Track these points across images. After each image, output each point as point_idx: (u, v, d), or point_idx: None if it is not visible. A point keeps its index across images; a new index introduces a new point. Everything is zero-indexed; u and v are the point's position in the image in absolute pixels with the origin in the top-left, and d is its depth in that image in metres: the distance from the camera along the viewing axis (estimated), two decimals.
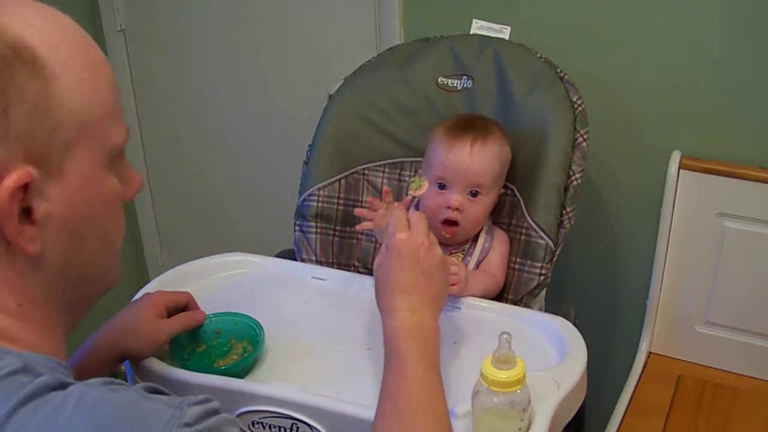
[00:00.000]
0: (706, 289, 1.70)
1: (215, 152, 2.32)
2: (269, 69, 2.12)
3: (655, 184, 1.68)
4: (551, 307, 1.42)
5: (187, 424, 0.67)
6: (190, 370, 1.14)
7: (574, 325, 1.36)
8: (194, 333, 1.22)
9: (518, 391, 0.97)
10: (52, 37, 0.72)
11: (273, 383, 1.11)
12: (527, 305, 1.37)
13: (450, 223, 1.36)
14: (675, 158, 1.65)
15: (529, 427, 1.00)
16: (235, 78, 2.19)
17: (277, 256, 1.51)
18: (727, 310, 1.69)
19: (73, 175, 0.73)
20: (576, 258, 1.87)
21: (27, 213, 0.71)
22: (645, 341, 1.76)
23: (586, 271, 1.88)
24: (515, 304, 1.36)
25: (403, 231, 1.04)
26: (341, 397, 1.06)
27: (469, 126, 1.37)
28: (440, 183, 1.36)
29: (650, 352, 1.77)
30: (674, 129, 1.68)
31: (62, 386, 0.68)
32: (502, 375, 0.95)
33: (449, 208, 1.34)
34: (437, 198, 1.36)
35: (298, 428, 1.07)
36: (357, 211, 1.36)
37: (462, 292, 1.26)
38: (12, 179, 0.68)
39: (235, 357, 1.20)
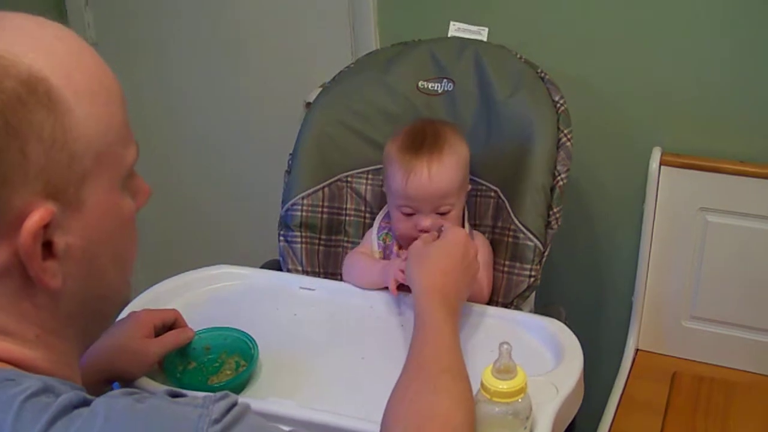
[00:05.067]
0: (692, 284, 1.70)
1: (193, 161, 2.30)
2: (245, 75, 2.10)
3: (637, 181, 1.69)
4: (541, 309, 1.41)
5: (216, 420, 0.69)
6: (184, 388, 1.11)
7: (565, 325, 1.36)
8: (183, 350, 1.19)
9: (520, 401, 0.96)
10: (65, 63, 0.70)
11: (269, 399, 1.10)
12: (518, 308, 1.36)
13: None
14: (656, 154, 1.66)
15: None
16: (210, 86, 2.17)
17: (263, 267, 1.50)
18: (713, 304, 1.70)
19: (91, 203, 0.72)
20: (561, 257, 1.86)
21: (47, 247, 0.70)
22: (632, 338, 1.76)
23: (571, 270, 1.88)
24: (506, 307, 1.35)
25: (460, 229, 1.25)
26: (338, 410, 1.05)
27: (420, 143, 1.32)
28: (406, 210, 1.35)
29: (638, 349, 1.78)
30: (654, 125, 1.68)
31: (86, 402, 0.68)
32: (503, 385, 0.95)
33: (422, 230, 1.33)
34: (407, 222, 1.35)
35: None
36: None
37: None
38: (35, 219, 0.67)
39: (228, 372, 1.18)
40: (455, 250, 1.18)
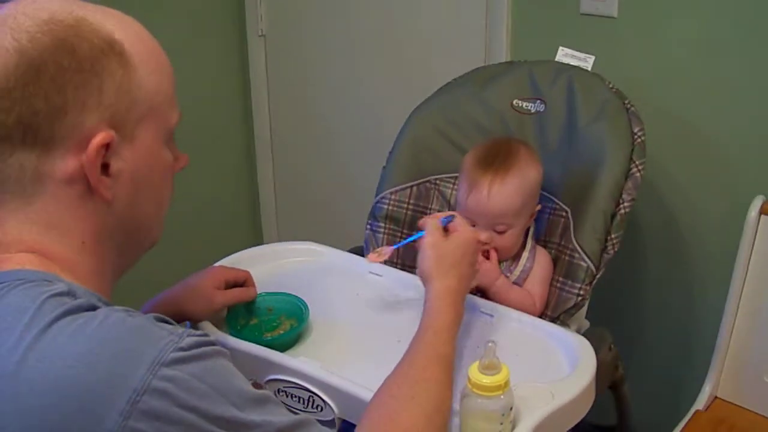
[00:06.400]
0: None
1: (331, 154, 2.50)
2: (384, 77, 2.28)
3: (736, 226, 1.67)
4: (589, 329, 1.46)
5: (182, 348, 0.82)
6: (242, 339, 1.28)
7: (609, 349, 1.40)
8: (249, 307, 1.36)
9: (501, 397, 1.03)
10: (131, 37, 0.92)
11: (300, 358, 1.23)
12: (564, 323, 1.42)
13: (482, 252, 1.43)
14: (757, 202, 1.64)
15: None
16: (354, 83, 2.36)
17: (349, 251, 1.64)
18: None
19: (141, 141, 0.92)
20: (650, 294, 1.88)
21: (105, 167, 0.90)
22: (710, 384, 1.74)
23: (659, 308, 1.88)
24: (553, 321, 1.41)
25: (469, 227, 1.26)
26: (357, 380, 1.17)
27: (491, 161, 1.40)
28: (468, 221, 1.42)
29: (716, 396, 1.75)
30: (760, 173, 1.67)
31: (93, 308, 0.85)
32: (486, 380, 1.03)
33: (479, 243, 1.40)
34: None
35: (313, 401, 1.18)
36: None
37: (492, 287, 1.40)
38: (100, 137, 0.87)
39: (281, 332, 1.33)
40: (469, 249, 1.23)
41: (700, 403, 1.72)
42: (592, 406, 1.64)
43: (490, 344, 1.03)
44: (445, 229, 1.25)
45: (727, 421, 1.65)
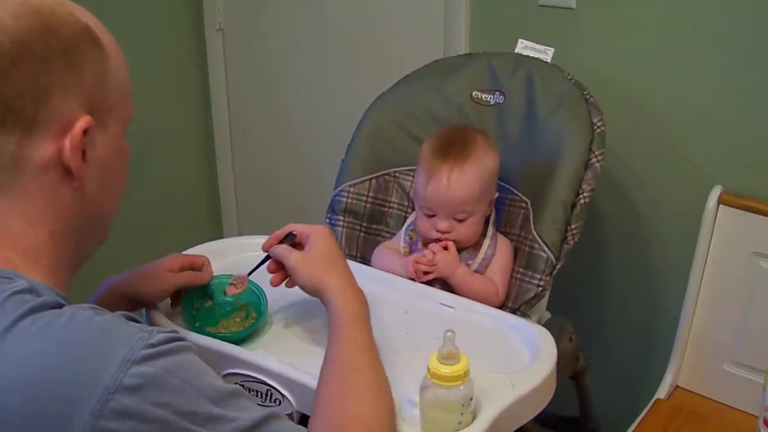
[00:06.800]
0: (737, 328, 1.68)
1: (293, 147, 2.48)
2: (343, 70, 2.27)
3: (694, 216, 1.68)
4: (549, 320, 1.46)
5: (152, 345, 0.81)
6: (198, 321, 1.29)
7: (570, 339, 1.40)
8: (205, 290, 1.35)
9: (461, 387, 1.02)
10: (98, 27, 0.93)
11: (258, 351, 1.22)
12: (524, 314, 1.42)
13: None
14: (715, 193, 1.65)
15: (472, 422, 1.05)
16: (313, 76, 2.34)
17: None
18: (758, 352, 1.66)
19: (111, 132, 0.93)
20: (612, 282, 1.89)
21: (82, 155, 0.90)
22: (671, 373, 1.75)
23: (620, 296, 1.89)
24: (513, 312, 1.41)
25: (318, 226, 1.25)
26: (315, 373, 1.13)
27: (448, 150, 1.40)
28: (426, 211, 1.43)
29: (677, 386, 1.77)
30: (718, 163, 1.68)
31: (59, 306, 0.83)
32: (445, 370, 1.01)
33: (438, 231, 1.41)
34: (426, 222, 1.44)
35: (271, 395, 1.17)
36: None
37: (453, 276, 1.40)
38: (83, 122, 0.88)
39: (237, 320, 1.31)
40: (328, 242, 1.21)
41: (662, 392, 1.73)
42: (555, 398, 1.65)
43: (448, 334, 1.02)
44: (294, 244, 1.24)
45: (686, 409, 1.66)
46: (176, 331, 0.86)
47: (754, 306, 1.65)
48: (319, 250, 1.20)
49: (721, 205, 1.65)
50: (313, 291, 1.18)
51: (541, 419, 1.83)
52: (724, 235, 1.66)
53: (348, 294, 1.14)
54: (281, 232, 1.25)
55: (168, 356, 0.82)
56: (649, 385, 1.77)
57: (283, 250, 1.22)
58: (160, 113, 2.42)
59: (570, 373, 1.51)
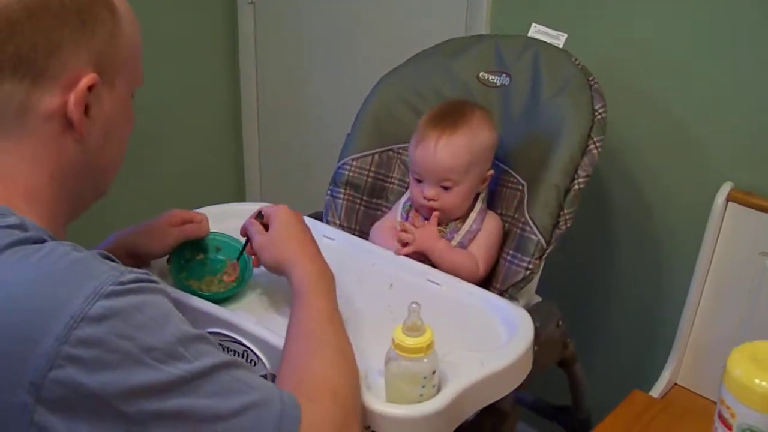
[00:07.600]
0: (741, 328, 1.65)
1: (316, 118, 2.50)
2: (370, 47, 2.28)
3: (703, 211, 1.66)
4: (536, 303, 1.46)
5: (121, 282, 0.84)
6: (185, 272, 1.34)
7: (557, 325, 1.40)
8: (198, 244, 1.38)
9: (424, 359, 1.03)
10: None
11: (237, 311, 1.24)
12: (512, 297, 1.41)
13: (429, 209, 1.45)
14: (724, 189, 1.62)
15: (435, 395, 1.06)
16: (340, 52, 2.35)
17: (309, 216, 1.63)
18: None
19: (117, 92, 0.99)
20: (619, 268, 1.87)
21: (85, 109, 0.94)
22: (669, 370, 1.73)
23: (627, 285, 1.88)
24: (501, 294, 1.41)
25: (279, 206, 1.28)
26: None
27: (442, 118, 1.42)
28: (416, 176, 1.45)
29: (675, 383, 1.74)
30: (730, 160, 1.65)
31: (41, 241, 0.88)
32: (409, 341, 1.03)
33: (425, 198, 1.42)
34: (416, 188, 1.46)
35: (247, 356, 1.19)
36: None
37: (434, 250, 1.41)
38: (88, 78, 0.93)
39: (225, 279, 1.35)
40: (289, 218, 1.25)
41: (659, 388, 1.71)
42: (549, 386, 1.66)
43: (413, 305, 1.03)
44: (265, 226, 1.27)
45: (681, 406, 1.63)
46: (149, 273, 0.89)
47: (758, 307, 1.62)
48: (278, 231, 1.24)
49: (729, 203, 1.62)
50: (277, 270, 1.22)
51: (534, 406, 1.85)
52: (731, 232, 1.63)
53: (307, 267, 1.17)
54: (254, 214, 1.29)
55: (136, 294, 0.85)
56: (648, 380, 1.76)
57: (252, 233, 1.27)
58: (190, 82, 2.45)
59: (557, 359, 1.50)
